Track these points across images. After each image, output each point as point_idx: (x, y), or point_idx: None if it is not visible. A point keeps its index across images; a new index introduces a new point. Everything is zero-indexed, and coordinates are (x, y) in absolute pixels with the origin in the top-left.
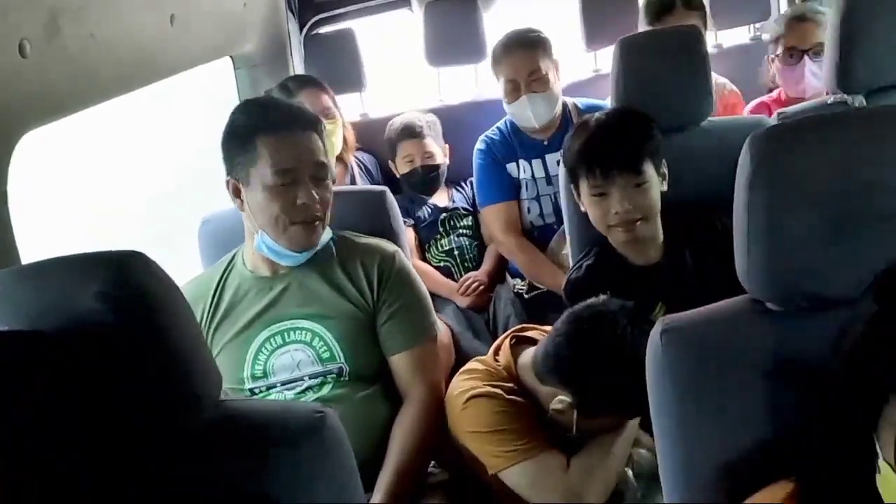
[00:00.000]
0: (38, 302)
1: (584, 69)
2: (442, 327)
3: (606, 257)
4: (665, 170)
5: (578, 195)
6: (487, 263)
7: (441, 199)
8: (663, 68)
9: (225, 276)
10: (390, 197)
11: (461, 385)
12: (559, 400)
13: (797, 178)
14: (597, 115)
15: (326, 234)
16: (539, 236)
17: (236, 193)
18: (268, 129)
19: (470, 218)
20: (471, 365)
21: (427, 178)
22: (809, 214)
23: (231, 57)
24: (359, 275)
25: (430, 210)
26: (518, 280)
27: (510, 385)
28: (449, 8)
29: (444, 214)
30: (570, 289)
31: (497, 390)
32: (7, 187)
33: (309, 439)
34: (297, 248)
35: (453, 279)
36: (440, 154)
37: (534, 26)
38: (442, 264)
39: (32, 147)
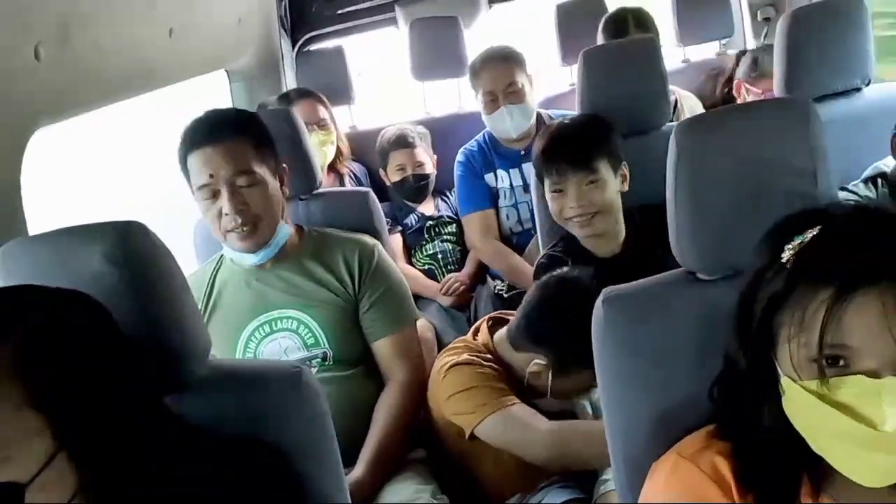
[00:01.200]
0: (46, 267)
1: (562, 83)
2: (426, 325)
3: (571, 247)
4: (625, 170)
5: (544, 194)
6: (469, 266)
7: (427, 207)
8: (623, 77)
9: (215, 272)
10: (373, 198)
11: (442, 360)
12: (535, 363)
13: (715, 162)
14: (558, 120)
15: (282, 230)
16: (517, 241)
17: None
18: (191, 147)
19: (454, 225)
20: (452, 344)
21: (417, 187)
22: (727, 193)
23: (226, 70)
24: (340, 266)
25: (416, 218)
26: (498, 281)
27: (488, 356)
28: (432, 25)
29: (430, 222)
30: (537, 271)
31: (474, 358)
32: (21, 180)
33: (289, 391)
34: (243, 251)
35: (437, 281)
36: (430, 164)
37: (513, 43)
38: (426, 268)
39: (40, 147)
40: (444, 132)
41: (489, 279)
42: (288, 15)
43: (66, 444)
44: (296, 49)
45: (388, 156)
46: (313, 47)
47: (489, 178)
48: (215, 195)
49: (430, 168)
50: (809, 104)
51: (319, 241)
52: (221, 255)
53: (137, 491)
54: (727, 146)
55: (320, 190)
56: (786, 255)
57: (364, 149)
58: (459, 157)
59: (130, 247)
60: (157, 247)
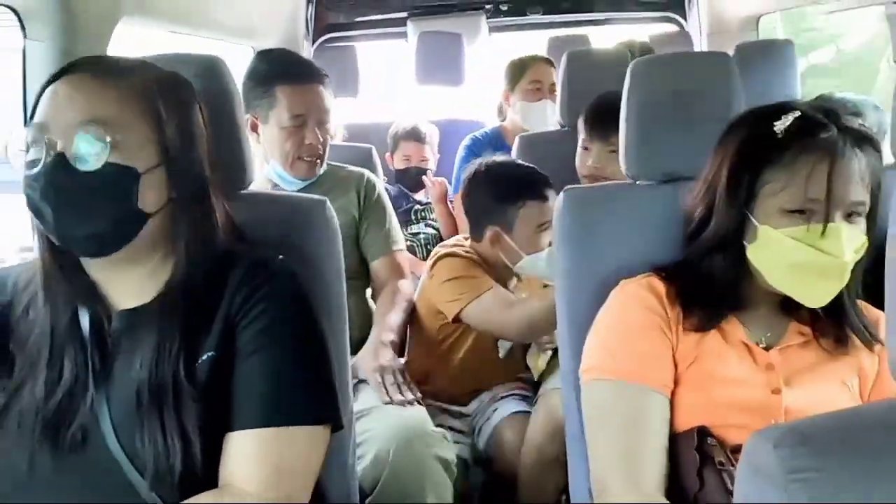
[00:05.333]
0: None
1: None
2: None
3: None
4: None
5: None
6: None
7: (420, 196)
8: (601, 78)
9: None
10: (375, 155)
11: (435, 252)
12: (491, 231)
13: (659, 93)
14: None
15: (322, 168)
16: None
17: (253, 128)
18: (285, 78)
19: None
20: (445, 242)
21: (417, 178)
22: (666, 118)
23: (252, 48)
24: (349, 192)
25: (407, 201)
26: None
27: (471, 254)
28: (438, 38)
29: (419, 206)
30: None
31: (460, 251)
32: None
33: (315, 213)
34: (300, 178)
35: (415, 256)
36: (433, 161)
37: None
38: (407, 244)
39: None
40: (444, 134)
41: None
42: (313, 17)
43: (168, 163)
44: (314, 46)
45: (399, 144)
46: (330, 45)
47: None
48: (304, 125)
49: (432, 164)
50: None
51: (333, 171)
52: None
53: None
54: (669, 81)
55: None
56: (778, 127)
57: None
58: (466, 141)
59: (214, 73)
60: (231, 81)
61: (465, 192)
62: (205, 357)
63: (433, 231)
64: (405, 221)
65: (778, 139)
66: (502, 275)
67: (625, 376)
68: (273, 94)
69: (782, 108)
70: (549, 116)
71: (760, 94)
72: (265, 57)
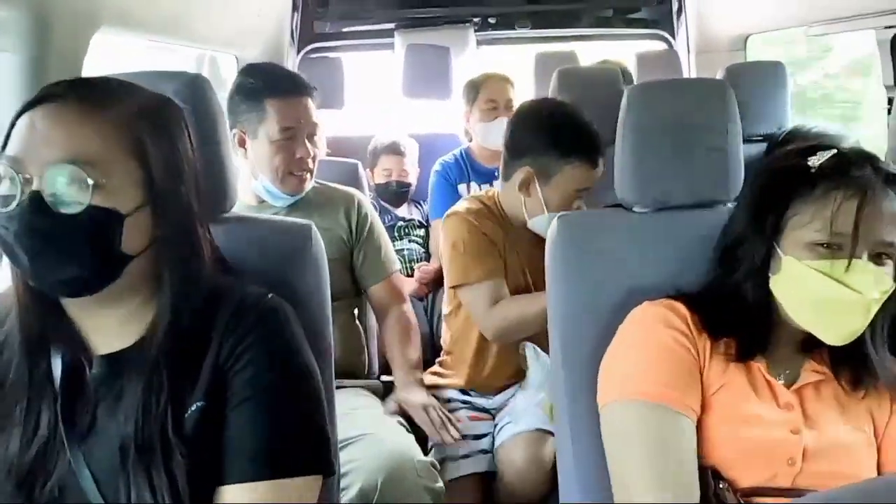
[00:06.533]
0: None
1: None
2: None
3: None
4: None
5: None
6: (436, 263)
7: (401, 210)
8: (590, 98)
9: None
10: (361, 170)
11: (451, 208)
12: (522, 171)
13: (655, 120)
14: None
15: (311, 183)
16: None
17: (241, 144)
18: (274, 92)
19: (423, 230)
20: (467, 196)
21: (398, 192)
22: (661, 146)
23: (236, 56)
24: (338, 213)
25: (389, 217)
26: None
27: (489, 210)
28: (426, 51)
29: (402, 223)
30: None
31: (469, 217)
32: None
33: (299, 240)
34: (289, 193)
35: None
36: (413, 174)
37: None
38: None
39: None
40: (424, 148)
41: None
42: (298, 25)
43: (153, 201)
44: (300, 55)
45: (379, 158)
46: (315, 56)
47: (462, 188)
48: (294, 139)
49: (412, 178)
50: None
51: (322, 191)
52: None
53: (189, 259)
54: (665, 108)
55: None
56: (813, 163)
57: (349, 151)
58: (436, 167)
59: (197, 91)
60: (215, 100)
61: (514, 122)
62: (193, 408)
63: (417, 247)
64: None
65: (811, 173)
66: (508, 231)
67: (651, 396)
68: (262, 107)
69: (819, 146)
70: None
71: (751, 116)
72: (252, 71)
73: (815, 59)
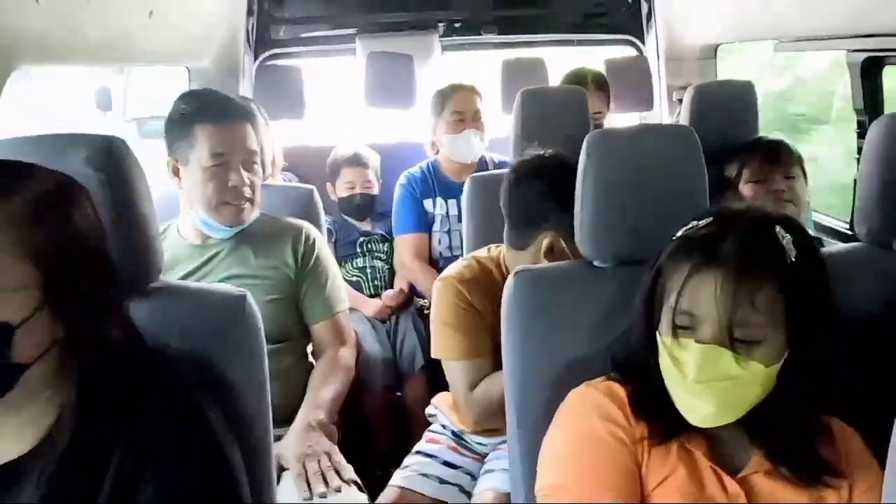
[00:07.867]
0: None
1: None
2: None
3: None
4: None
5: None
6: (400, 285)
7: (364, 225)
8: (554, 119)
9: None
10: (317, 196)
11: (449, 268)
12: (545, 239)
13: (617, 170)
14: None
15: (254, 214)
16: (444, 265)
17: (175, 172)
18: (205, 118)
19: (386, 245)
20: (469, 255)
21: (362, 205)
22: (623, 197)
23: (187, 68)
24: (285, 248)
25: (353, 232)
26: (420, 299)
27: (488, 276)
28: (388, 59)
29: (364, 238)
30: None
31: (461, 287)
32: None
33: (232, 311)
34: (227, 224)
35: (362, 293)
36: (377, 186)
37: None
38: (354, 279)
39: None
40: (389, 159)
41: (414, 297)
42: (254, 30)
43: (53, 300)
44: (256, 63)
45: (340, 171)
46: (273, 63)
47: (427, 203)
48: (227, 166)
49: (376, 189)
50: (694, 133)
51: (267, 222)
52: (166, 229)
53: (98, 356)
54: (628, 157)
55: (268, 183)
56: (689, 233)
57: (306, 162)
58: (402, 180)
59: (112, 156)
60: (133, 163)
61: (511, 187)
62: None
63: (381, 264)
64: (349, 255)
65: (687, 244)
66: None
67: (584, 497)
68: (193, 133)
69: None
70: (474, 146)
71: (719, 136)
72: (187, 97)
73: (786, 66)
